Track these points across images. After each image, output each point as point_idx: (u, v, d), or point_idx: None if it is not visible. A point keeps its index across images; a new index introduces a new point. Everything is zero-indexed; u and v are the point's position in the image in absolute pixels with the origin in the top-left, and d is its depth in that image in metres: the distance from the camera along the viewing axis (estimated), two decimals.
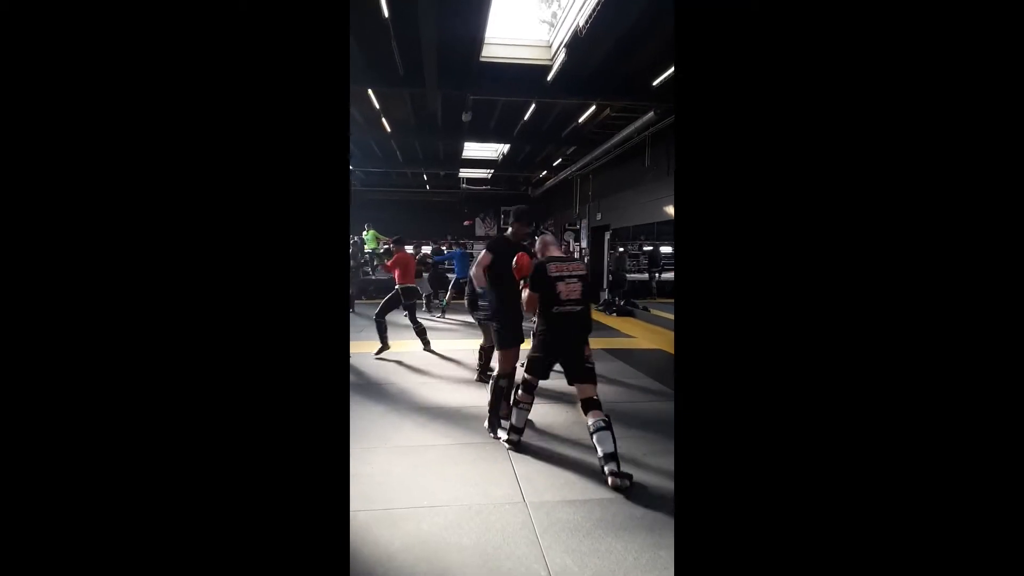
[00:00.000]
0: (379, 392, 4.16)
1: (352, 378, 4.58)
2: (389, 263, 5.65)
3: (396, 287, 5.51)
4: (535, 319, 2.91)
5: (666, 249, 11.38)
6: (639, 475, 2.64)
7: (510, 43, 6.29)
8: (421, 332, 5.55)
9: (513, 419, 2.96)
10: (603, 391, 4.21)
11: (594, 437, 2.63)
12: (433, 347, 5.59)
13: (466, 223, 16.38)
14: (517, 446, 2.95)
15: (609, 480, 2.52)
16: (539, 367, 2.89)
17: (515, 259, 2.91)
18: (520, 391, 2.93)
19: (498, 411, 3.15)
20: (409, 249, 6.96)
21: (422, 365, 5.02)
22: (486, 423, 3.23)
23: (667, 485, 2.57)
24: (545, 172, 13.28)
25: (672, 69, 5.88)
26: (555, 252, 3.02)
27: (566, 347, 2.83)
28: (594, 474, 2.69)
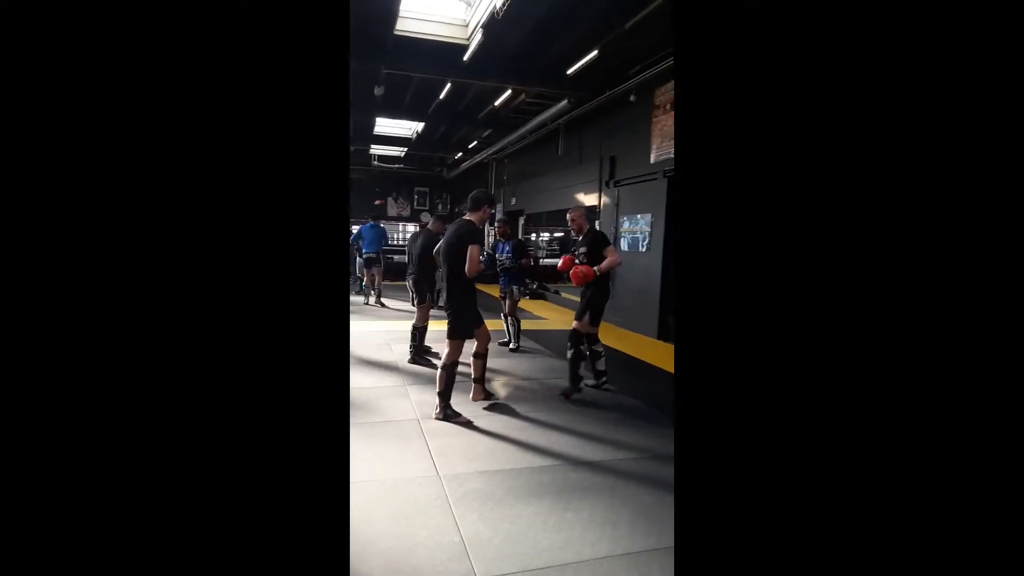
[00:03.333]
0: None
1: None
2: None
3: None
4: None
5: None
6: (550, 443, 2.83)
7: (427, 18, 6.16)
8: None
9: (599, 366, 3.86)
10: (518, 368, 4.39)
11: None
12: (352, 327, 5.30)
13: (378, 202, 15.87)
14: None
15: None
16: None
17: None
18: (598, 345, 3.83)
19: (449, 397, 3.17)
20: None
21: None
22: (436, 410, 3.19)
23: (572, 451, 2.77)
24: (460, 154, 13.18)
25: (586, 59, 6.07)
26: None
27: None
28: (504, 446, 2.82)
